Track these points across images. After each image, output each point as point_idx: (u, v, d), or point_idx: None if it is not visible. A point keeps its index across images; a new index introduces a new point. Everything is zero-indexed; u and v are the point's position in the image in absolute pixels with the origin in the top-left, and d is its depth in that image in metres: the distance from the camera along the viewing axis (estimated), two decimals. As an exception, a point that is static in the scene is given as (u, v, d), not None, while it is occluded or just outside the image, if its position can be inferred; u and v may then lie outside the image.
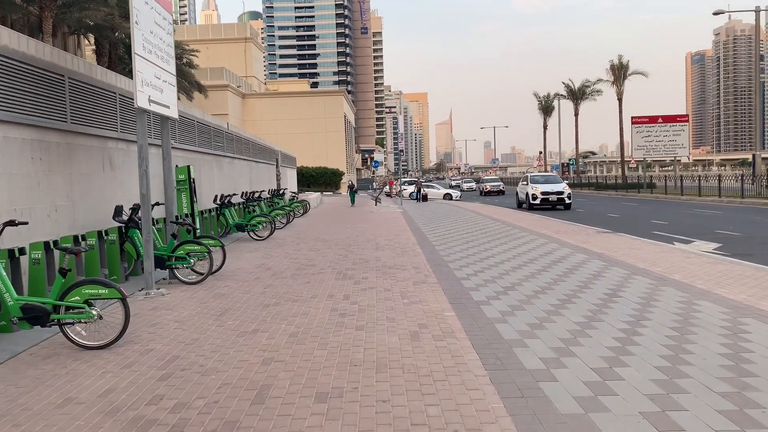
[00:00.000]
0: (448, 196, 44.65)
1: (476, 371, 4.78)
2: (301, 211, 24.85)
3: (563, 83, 66.43)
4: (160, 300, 8.09)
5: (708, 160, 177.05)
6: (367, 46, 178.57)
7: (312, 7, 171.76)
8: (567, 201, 28.84)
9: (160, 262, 9.16)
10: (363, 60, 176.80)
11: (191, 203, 13.44)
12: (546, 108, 74.27)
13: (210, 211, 15.41)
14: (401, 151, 48.12)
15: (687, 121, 51.67)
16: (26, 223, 6.60)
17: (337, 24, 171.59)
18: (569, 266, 9.94)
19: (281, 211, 19.09)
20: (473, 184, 74.09)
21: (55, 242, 7.56)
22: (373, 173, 53.00)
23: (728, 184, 32.73)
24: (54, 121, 8.51)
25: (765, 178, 30.27)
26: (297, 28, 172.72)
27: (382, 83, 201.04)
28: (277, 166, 31.86)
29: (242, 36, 68.05)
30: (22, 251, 6.88)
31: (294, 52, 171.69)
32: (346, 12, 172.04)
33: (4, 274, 5.84)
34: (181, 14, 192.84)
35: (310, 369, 4.95)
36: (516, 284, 8.48)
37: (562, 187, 29.68)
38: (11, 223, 6.22)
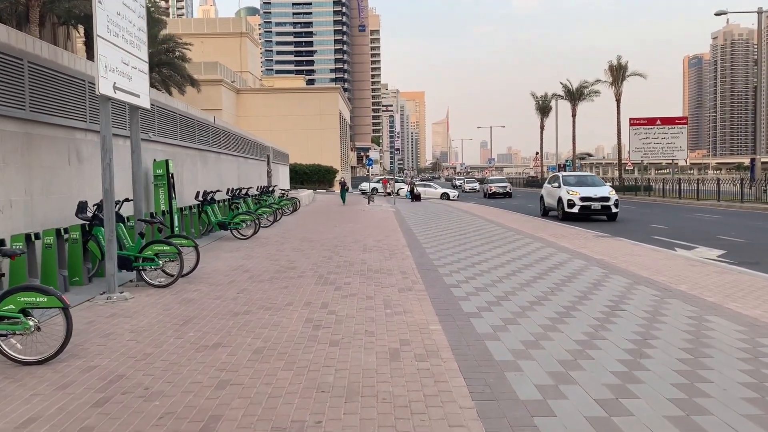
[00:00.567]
0: (445, 196, 43.98)
1: (462, 401, 4.13)
2: (291, 209, 24.15)
3: (561, 83, 65.61)
4: (121, 305, 7.41)
5: (704, 163, 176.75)
6: (365, 44, 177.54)
7: (310, 3, 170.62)
8: (614, 210, 21.10)
9: (127, 263, 8.48)
10: (360, 58, 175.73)
11: (169, 199, 12.74)
12: (543, 108, 73.50)
13: (191, 208, 14.69)
14: (397, 149, 47.45)
15: (686, 123, 51.11)
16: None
17: (334, 21, 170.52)
18: (567, 274, 9.29)
19: (268, 209, 18.38)
20: (476, 185, 66.08)
21: (2, 241, 6.87)
22: (368, 171, 52.05)
23: (726, 188, 32.11)
24: (10, 108, 7.81)
25: (765, 182, 29.66)
26: (294, 24, 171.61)
27: (380, 81, 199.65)
28: (268, 163, 31.14)
29: (237, 31, 67.19)
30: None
31: (291, 48, 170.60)
32: (344, 9, 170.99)
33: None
34: (178, 8, 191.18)
35: (270, 395, 4.28)
36: (510, 293, 7.83)
37: (608, 191, 21.74)
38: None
